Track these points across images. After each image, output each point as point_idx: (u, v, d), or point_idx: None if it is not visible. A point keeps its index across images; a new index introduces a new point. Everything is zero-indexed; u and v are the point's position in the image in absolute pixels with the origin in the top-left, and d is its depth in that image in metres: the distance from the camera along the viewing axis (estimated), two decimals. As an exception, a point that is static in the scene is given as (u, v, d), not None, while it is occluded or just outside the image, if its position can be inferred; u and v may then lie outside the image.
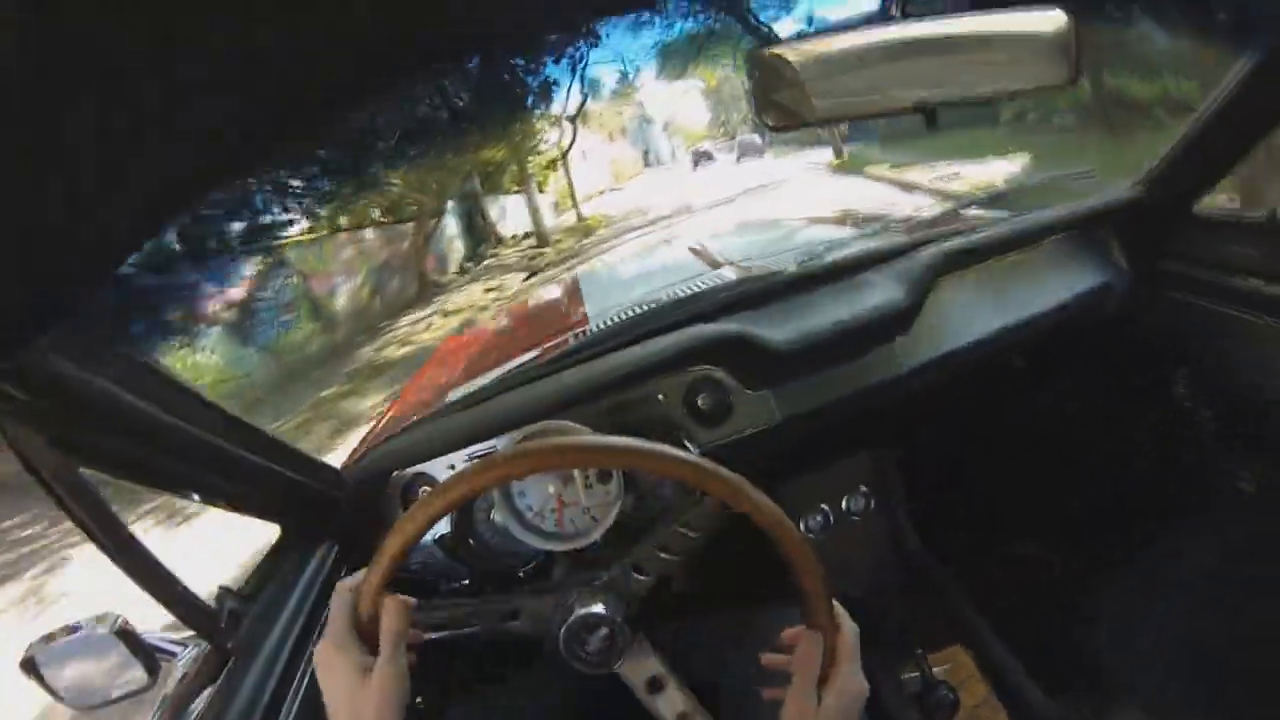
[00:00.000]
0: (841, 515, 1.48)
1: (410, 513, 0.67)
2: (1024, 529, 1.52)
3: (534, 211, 14.00)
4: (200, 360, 7.69)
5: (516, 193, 14.52)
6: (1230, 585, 1.18)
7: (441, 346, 2.44)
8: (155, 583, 0.75)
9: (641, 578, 0.77)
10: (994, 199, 1.44)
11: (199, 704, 0.77)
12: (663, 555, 0.76)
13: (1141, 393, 1.35)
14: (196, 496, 0.86)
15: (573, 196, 15.72)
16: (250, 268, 9.03)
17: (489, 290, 10.22)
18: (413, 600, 0.71)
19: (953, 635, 1.36)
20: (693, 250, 1.91)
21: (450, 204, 12.83)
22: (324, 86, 0.44)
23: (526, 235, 14.14)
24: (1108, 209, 1.23)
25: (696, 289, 1.38)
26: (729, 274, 1.50)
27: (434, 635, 0.75)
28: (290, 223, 9.71)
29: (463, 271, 12.72)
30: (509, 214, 14.54)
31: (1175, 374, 1.27)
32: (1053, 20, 0.79)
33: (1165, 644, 1.22)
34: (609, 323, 1.39)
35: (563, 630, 0.75)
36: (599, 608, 0.75)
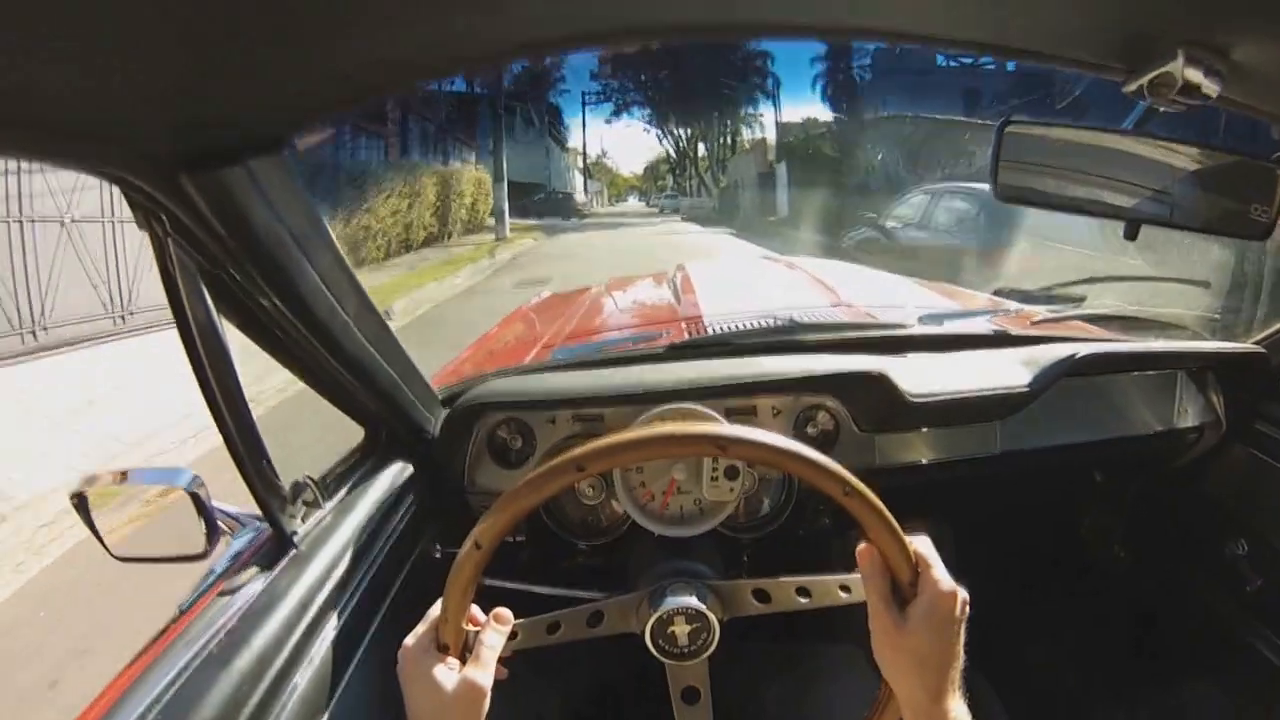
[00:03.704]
0: None
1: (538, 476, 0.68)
2: (1048, 635, 1.58)
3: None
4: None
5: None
6: None
7: (545, 297, 2.48)
8: (244, 451, 0.77)
9: (757, 602, 0.79)
10: (1121, 316, 1.51)
11: (250, 588, 0.79)
12: (798, 597, 0.78)
13: (1198, 542, 1.41)
14: (306, 374, 0.89)
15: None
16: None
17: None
18: (510, 618, 0.75)
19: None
20: (811, 279, 1.98)
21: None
22: None
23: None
24: (1223, 356, 1.29)
25: (818, 318, 1.44)
26: (844, 313, 1.57)
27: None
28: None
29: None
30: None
31: (1237, 535, 1.33)
32: (1264, 173, 0.85)
33: None
34: (732, 326, 1.45)
35: (655, 615, 0.78)
36: (699, 602, 0.78)
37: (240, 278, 0.71)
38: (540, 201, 21.65)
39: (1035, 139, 0.81)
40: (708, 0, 0.57)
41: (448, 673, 0.69)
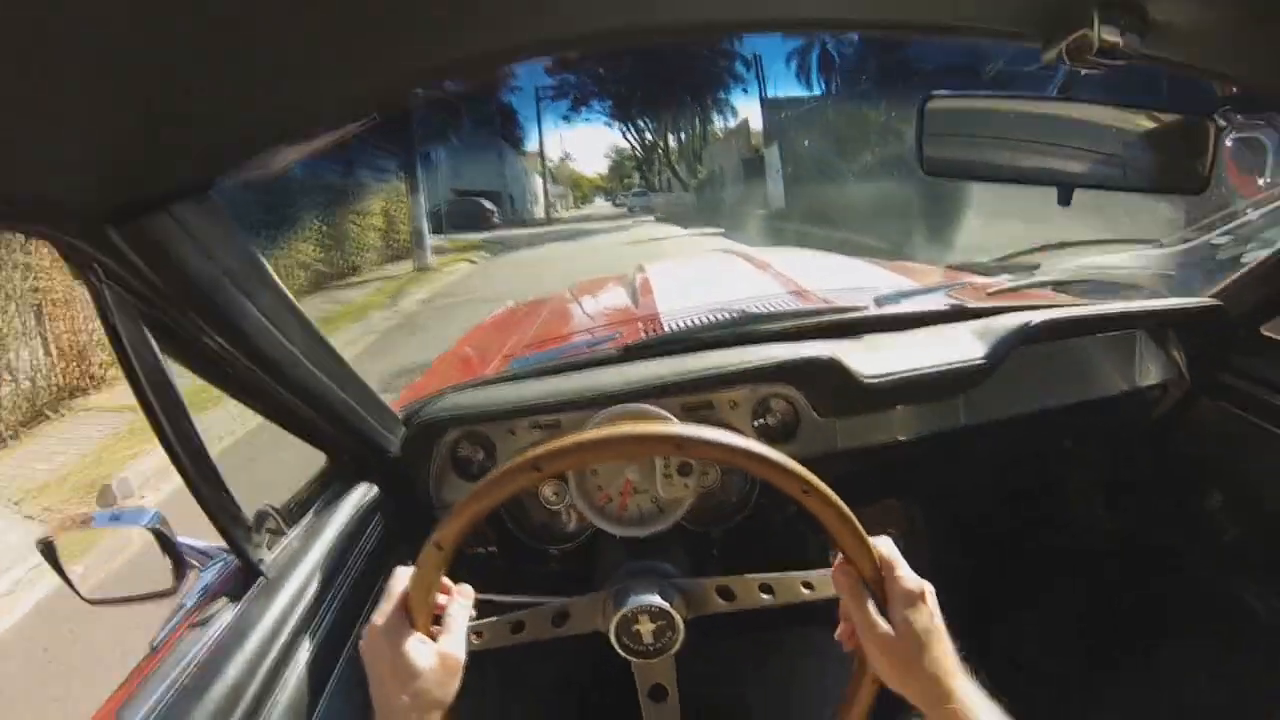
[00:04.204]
0: None
1: (495, 478, 0.70)
2: (1025, 610, 1.59)
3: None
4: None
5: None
6: (1225, 709, 1.25)
7: (508, 307, 2.49)
8: (203, 485, 0.77)
9: (721, 600, 0.80)
10: (1076, 281, 1.53)
11: (220, 619, 0.79)
12: (761, 594, 0.78)
13: (1171, 500, 1.42)
14: (259, 406, 0.89)
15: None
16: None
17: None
18: (472, 592, 0.77)
19: None
20: (766, 269, 2.00)
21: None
22: None
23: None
24: (1181, 312, 1.30)
25: (772, 308, 1.45)
26: (800, 301, 1.58)
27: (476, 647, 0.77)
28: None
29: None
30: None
31: (1211, 487, 1.35)
32: (1196, 128, 0.86)
33: None
34: (686, 323, 1.46)
35: (619, 614, 0.78)
36: (663, 601, 0.79)
37: (181, 320, 0.71)
38: (442, 214, 17.19)
39: (960, 112, 0.82)
40: (609, 6, 0.58)
41: (422, 647, 0.69)
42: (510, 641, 0.78)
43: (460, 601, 0.75)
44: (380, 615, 0.71)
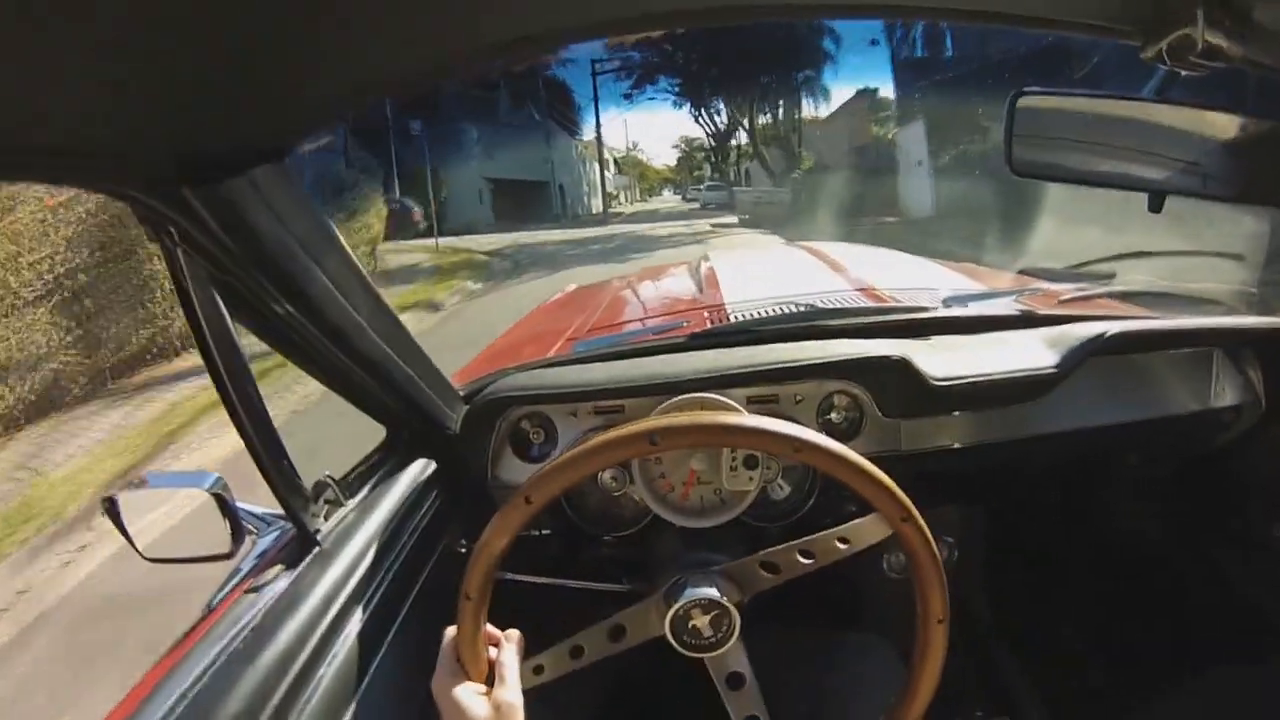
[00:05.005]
0: None
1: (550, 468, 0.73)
2: (1080, 616, 1.56)
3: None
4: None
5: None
6: None
7: (569, 290, 2.51)
8: (265, 452, 0.79)
9: (768, 575, 0.80)
10: (1152, 293, 1.47)
11: (274, 586, 0.81)
12: (803, 559, 0.78)
13: (1238, 525, 1.37)
14: (323, 376, 0.90)
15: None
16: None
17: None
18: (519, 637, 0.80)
19: (1006, 708, 1.41)
20: (833, 265, 1.98)
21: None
22: None
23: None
24: (1262, 332, 1.24)
25: (840, 304, 1.44)
26: (868, 298, 1.56)
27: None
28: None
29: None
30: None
31: (1277, 516, 1.29)
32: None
33: None
34: (753, 314, 1.45)
35: (671, 613, 0.78)
36: (712, 590, 0.79)
37: (251, 285, 0.72)
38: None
39: (1050, 110, 0.79)
40: None
41: (478, 698, 0.74)
42: (570, 668, 0.80)
43: (509, 648, 0.79)
44: (438, 672, 0.77)
